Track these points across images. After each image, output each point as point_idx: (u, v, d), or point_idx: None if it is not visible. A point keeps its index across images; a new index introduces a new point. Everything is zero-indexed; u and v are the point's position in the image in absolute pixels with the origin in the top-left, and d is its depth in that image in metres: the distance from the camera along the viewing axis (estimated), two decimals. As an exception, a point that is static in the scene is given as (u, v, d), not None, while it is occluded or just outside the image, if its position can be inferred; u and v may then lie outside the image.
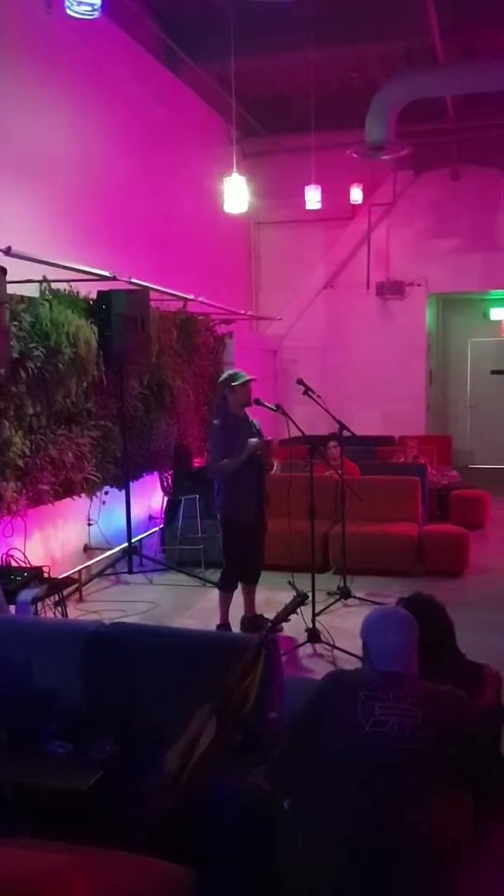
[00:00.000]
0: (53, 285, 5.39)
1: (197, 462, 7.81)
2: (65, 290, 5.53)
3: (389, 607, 2.34)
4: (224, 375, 5.11)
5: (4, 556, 4.86)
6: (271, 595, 5.29)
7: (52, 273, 5.33)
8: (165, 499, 7.34)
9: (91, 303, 5.78)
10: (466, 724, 2.08)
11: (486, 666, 2.59)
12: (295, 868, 2.02)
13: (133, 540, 6.39)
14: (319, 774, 2.05)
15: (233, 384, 4.91)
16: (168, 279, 7.17)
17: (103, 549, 6.41)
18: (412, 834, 1.92)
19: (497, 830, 2.20)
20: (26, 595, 4.14)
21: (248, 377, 4.94)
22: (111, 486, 6.23)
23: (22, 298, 5.01)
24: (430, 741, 1.98)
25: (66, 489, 5.53)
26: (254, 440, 4.83)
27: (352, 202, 10.15)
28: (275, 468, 5.73)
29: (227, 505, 4.95)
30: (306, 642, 4.77)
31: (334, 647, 4.70)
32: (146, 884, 2.06)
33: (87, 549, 6.33)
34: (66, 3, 4.45)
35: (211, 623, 5.08)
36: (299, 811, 2.12)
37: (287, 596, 2.94)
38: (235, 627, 4.99)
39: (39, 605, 4.29)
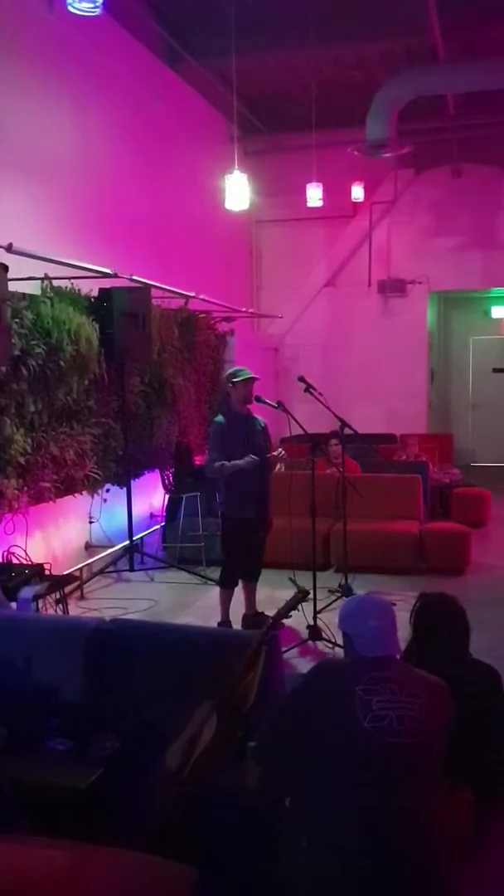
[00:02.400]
0: (55, 282, 5.39)
1: (198, 460, 7.80)
2: (66, 287, 5.53)
3: (362, 595, 2.35)
4: (227, 372, 5.13)
5: (6, 554, 4.86)
6: (272, 593, 5.29)
7: (53, 270, 5.33)
8: (166, 496, 7.34)
9: (92, 300, 5.78)
10: (453, 715, 2.08)
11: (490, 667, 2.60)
12: (299, 867, 2.01)
13: (134, 538, 6.39)
14: (318, 771, 2.04)
15: (234, 380, 4.92)
16: (169, 277, 7.17)
17: (104, 547, 6.42)
18: (415, 831, 1.92)
19: (498, 829, 2.20)
20: (27, 592, 4.14)
21: (250, 375, 4.93)
22: (112, 484, 6.23)
23: (23, 296, 5.01)
24: (428, 733, 1.99)
25: (68, 487, 5.52)
26: (253, 458, 4.74)
27: (353, 200, 10.12)
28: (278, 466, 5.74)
29: (228, 502, 4.96)
30: (308, 640, 4.77)
31: (336, 644, 4.69)
32: (146, 882, 2.06)
33: (89, 547, 6.33)
34: (68, 0, 4.45)
35: (212, 620, 5.08)
36: (301, 809, 2.11)
37: (288, 593, 2.93)
38: (236, 625, 4.99)
39: (41, 602, 4.30)
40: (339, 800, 1.97)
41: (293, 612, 2.77)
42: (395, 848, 1.91)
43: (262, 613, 5.00)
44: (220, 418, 5.03)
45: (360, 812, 1.94)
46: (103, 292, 5.84)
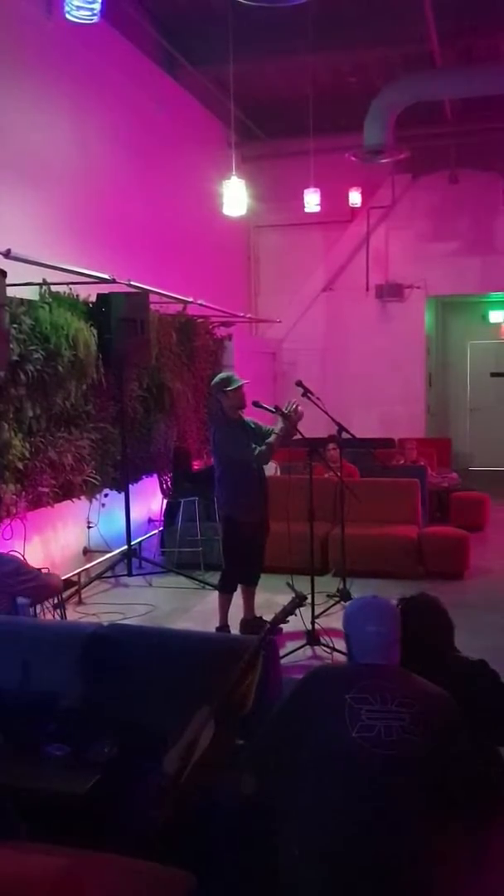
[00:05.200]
0: (53, 288, 5.40)
1: (196, 464, 7.81)
2: (64, 292, 5.53)
3: (369, 597, 2.28)
4: (216, 379, 5.07)
5: (4, 559, 4.85)
6: (270, 597, 5.28)
7: (51, 276, 5.34)
8: (165, 501, 7.34)
9: (91, 305, 5.79)
10: (457, 726, 2.05)
11: (483, 661, 2.60)
12: (294, 874, 2.00)
13: (132, 542, 6.38)
14: (309, 779, 2.02)
15: (226, 389, 4.90)
16: (167, 282, 7.18)
17: (102, 552, 6.41)
18: (404, 841, 1.90)
19: (495, 834, 2.19)
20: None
21: (242, 381, 4.93)
22: (111, 489, 6.23)
23: (22, 301, 5.02)
24: (417, 745, 1.95)
25: (66, 491, 5.52)
26: (281, 426, 4.83)
27: (351, 205, 10.16)
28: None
29: (229, 503, 4.95)
30: (305, 645, 4.77)
31: (334, 649, 4.69)
32: (144, 887, 2.06)
33: (87, 552, 6.32)
34: (66, 8, 4.45)
35: (210, 625, 5.07)
36: (292, 817, 2.09)
37: (286, 598, 2.94)
38: (235, 629, 4.99)
39: (38, 607, 4.29)
40: (328, 809, 1.95)
41: (291, 617, 2.77)
42: (385, 858, 1.88)
43: (261, 618, 5.00)
44: (216, 427, 5.06)
45: (350, 822, 1.91)
46: (101, 298, 5.85)
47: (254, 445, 4.89)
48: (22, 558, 3.89)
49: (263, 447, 4.86)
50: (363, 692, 2.01)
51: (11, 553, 3.96)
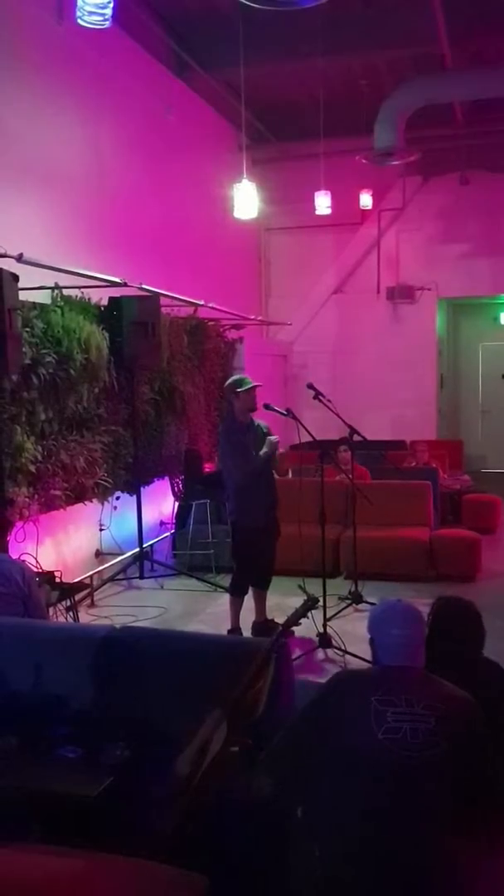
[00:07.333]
0: (65, 292, 5.42)
1: (208, 467, 7.82)
2: (76, 296, 5.56)
3: (393, 600, 2.30)
4: (230, 381, 5.14)
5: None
6: (282, 600, 5.28)
7: (63, 279, 5.37)
8: (176, 504, 7.35)
9: (102, 309, 5.82)
10: (481, 731, 2.05)
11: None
12: (311, 876, 2.00)
13: (144, 545, 6.41)
14: (332, 780, 2.03)
15: (238, 390, 4.93)
16: (178, 285, 7.20)
17: (115, 555, 6.43)
18: (426, 842, 1.90)
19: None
20: (38, 600, 4.14)
21: (254, 383, 4.95)
22: (122, 492, 6.24)
23: (34, 305, 5.05)
24: (442, 747, 1.95)
25: (78, 494, 5.55)
26: (273, 437, 4.89)
27: (361, 208, 10.14)
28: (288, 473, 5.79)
29: (238, 510, 4.97)
30: (318, 647, 4.76)
31: (346, 652, 4.68)
32: (157, 890, 2.06)
33: (99, 555, 6.34)
34: (78, 13, 4.48)
35: (222, 628, 5.08)
36: (313, 818, 2.10)
37: (298, 601, 2.93)
38: (246, 632, 4.99)
39: (51, 609, 4.31)
40: (351, 810, 1.96)
41: (303, 620, 2.77)
42: (409, 858, 1.90)
43: (272, 621, 5.00)
44: (223, 428, 5.08)
45: (372, 823, 1.93)
46: (113, 301, 5.88)
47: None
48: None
49: (259, 454, 4.87)
50: (389, 694, 2.02)
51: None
